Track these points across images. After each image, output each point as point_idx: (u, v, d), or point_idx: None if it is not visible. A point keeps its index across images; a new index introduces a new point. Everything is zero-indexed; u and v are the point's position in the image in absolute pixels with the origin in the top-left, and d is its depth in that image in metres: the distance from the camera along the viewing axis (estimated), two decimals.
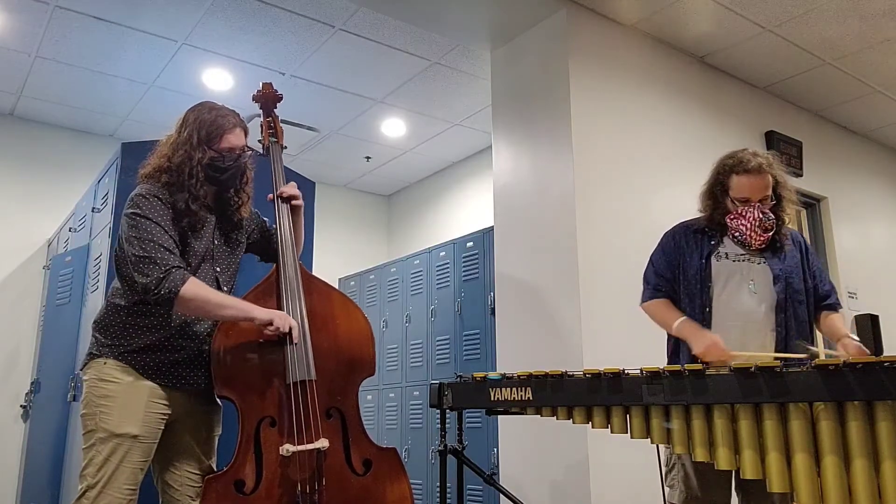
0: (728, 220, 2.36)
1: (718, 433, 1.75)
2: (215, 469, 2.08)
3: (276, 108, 2.44)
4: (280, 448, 1.96)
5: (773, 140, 4.47)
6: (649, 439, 1.88)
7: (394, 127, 5.47)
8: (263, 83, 2.42)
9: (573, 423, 1.99)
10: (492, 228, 3.84)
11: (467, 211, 6.00)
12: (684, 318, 2.29)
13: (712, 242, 2.38)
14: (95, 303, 3.17)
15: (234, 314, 1.98)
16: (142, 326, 1.99)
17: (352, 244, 6.65)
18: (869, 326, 4.64)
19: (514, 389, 2.07)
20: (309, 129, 5.45)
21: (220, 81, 4.69)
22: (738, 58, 4.19)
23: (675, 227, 2.51)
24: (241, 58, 4.43)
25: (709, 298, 2.32)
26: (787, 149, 4.56)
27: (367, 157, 6.09)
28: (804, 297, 2.35)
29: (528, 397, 2.04)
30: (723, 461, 1.73)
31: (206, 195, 2.08)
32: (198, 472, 2.05)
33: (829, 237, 4.79)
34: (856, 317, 4.69)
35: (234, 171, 2.11)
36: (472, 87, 4.80)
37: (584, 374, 1.95)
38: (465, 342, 4.12)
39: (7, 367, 4.90)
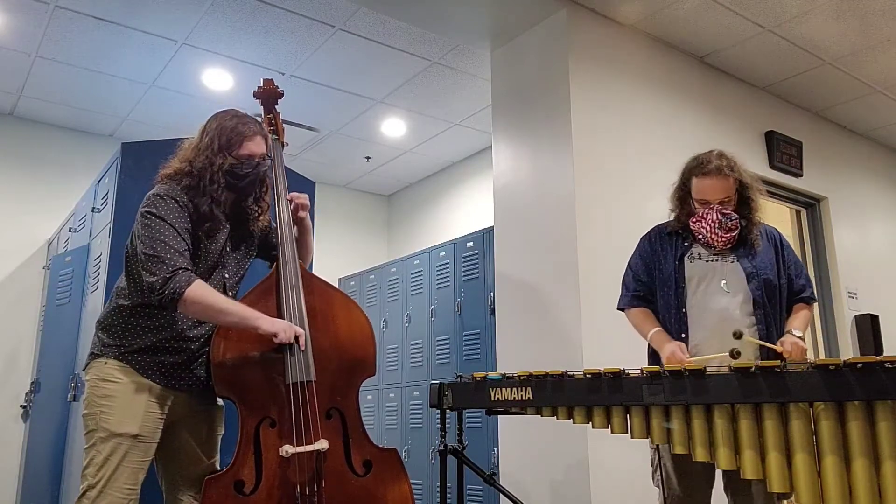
0: (691, 223, 2.39)
1: (718, 433, 1.75)
2: (218, 468, 2.08)
3: (277, 104, 2.43)
4: (280, 449, 1.95)
5: (773, 140, 4.46)
6: (649, 439, 1.88)
7: (394, 127, 5.47)
8: (265, 79, 2.41)
9: (573, 423, 1.99)
10: (492, 228, 3.84)
11: (467, 211, 5.99)
12: (657, 328, 2.36)
13: (685, 244, 2.42)
14: (95, 303, 3.17)
15: (236, 321, 1.97)
16: (144, 327, 1.99)
17: (352, 244, 6.65)
18: (869, 326, 4.64)
19: (514, 389, 2.07)
20: (309, 128, 5.45)
21: (220, 81, 4.69)
22: (738, 58, 4.19)
23: (650, 230, 2.55)
24: (241, 58, 4.43)
25: (683, 300, 2.35)
26: (787, 149, 4.55)
27: (367, 157, 6.09)
28: (779, 293, 2.36)
29: (528, 397, 2.04)
30: (723, 461, 1.74)
31: (226, 200, 2.09)
32: (200, 471, 2.05)
33: (829, 237, 4.78)
34: (856, 317, 4.69)
35: (253, 178, 2.12)
36: (472, 87, 4.80)
37: (584, 374, 1.96)
38: (465, 342, 4.11)
39: (7, 367, 4.90)
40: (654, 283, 2.44)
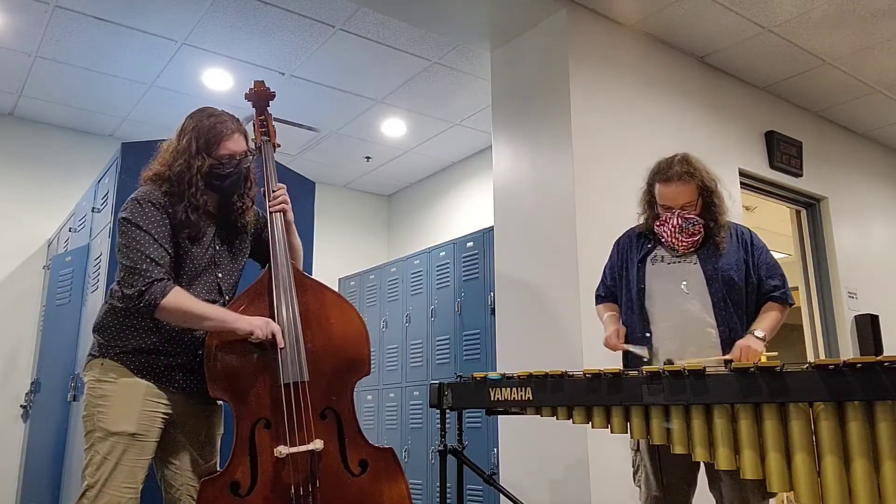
0: (655, 227, 2.41)
1: (718, 433, 1.75)
2: (219, 469, 2.08)
3: (268, 106, 2.41)
4: (274, 450, 1.95)
5: (773, 140, 4.46)
6: (649, 439, 1.88)
7: (394, 127, 5.47)
8: (255, 81, 2.39)
9: (573, 423, 1.99)
10: (492, 228, 3.84)
11: (467, 211, 6.00)
12: (610, 313, 2.51)
13: (649, 246, 2.45)
14: (95, 303, 3.17)
15: (215, 325, 1.97)
16: (138, 328, 1.99)
17: (352, 244, 6.65)
18: (869, 326, 4.64)
19: (514, 389, 2.07)
20: (309, 128, 5.45)
21: (220, 81, 4.69)
22: (738, 58, 4.19)
23: (623, 233, 2.59)
24: (241, 58, 4.43)
25: (642, 301, 2.38)
26: (787, 149, 4.55)
27: (367, 157, 6.09)
28: (744, 294, 2.34)
29: (528, 397, 2.04)
30: (723, 461, 1.74)
31: (206, 203, 2.07)
32: (198, 472, 2.05)
33: (829, 237, 4.78)
34: (856, 317, 4.69)
35: (236, 177, 2.10)
36: (472, 87, 4.80)
37: (584, 374, 1.96)
38: (465, 342, 4.11)
39: (7, 367, 4.90)
40: (618, 286, 2.52)
